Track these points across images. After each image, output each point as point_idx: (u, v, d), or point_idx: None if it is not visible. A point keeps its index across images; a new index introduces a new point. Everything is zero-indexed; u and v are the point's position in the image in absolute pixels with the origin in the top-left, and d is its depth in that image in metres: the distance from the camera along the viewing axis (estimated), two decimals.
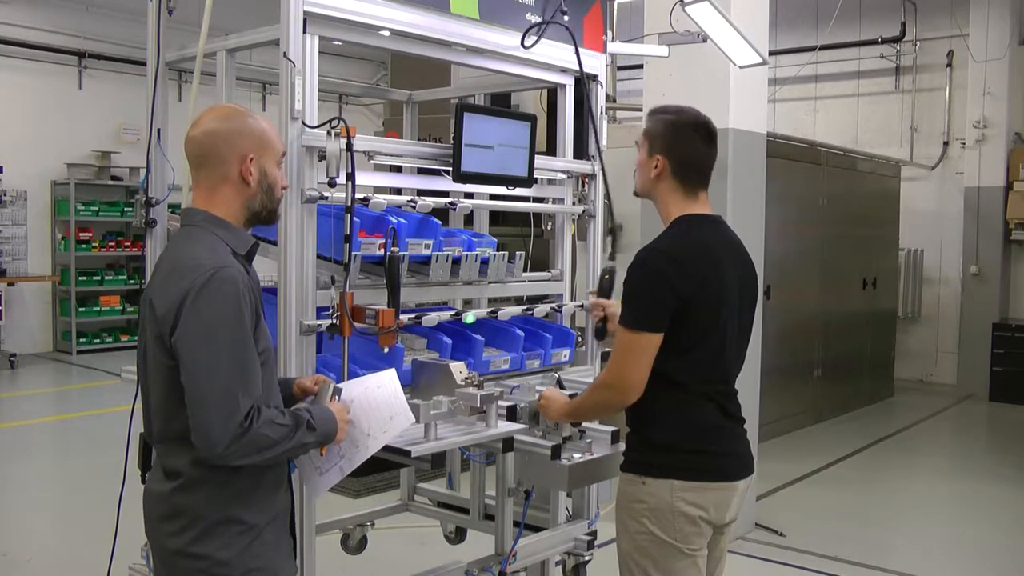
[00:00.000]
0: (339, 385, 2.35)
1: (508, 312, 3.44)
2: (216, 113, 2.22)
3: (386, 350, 2.82)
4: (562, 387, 3.28)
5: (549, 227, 4.81)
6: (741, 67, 4.35)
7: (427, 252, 3.15)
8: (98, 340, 11.57)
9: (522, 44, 3.33)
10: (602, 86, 3.74)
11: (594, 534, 3.69)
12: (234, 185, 2.15)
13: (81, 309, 11.40)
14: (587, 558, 3.67)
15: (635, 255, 2.54)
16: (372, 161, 3.18)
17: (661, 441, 2.54)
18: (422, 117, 4.36)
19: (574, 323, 3.85)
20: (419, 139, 4.34)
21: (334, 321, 2.76)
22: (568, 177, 3.76)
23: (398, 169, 3.63)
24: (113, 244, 11.75)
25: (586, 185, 3.78)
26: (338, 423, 2.22)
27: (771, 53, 7.19)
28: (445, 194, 3.39)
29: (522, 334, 3.45)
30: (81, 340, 11.42)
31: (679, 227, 2.62)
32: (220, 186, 2.15)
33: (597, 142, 3.64)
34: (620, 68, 8.96)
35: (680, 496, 2.49)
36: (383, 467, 3.53)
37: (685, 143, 2.61)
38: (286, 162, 2.61)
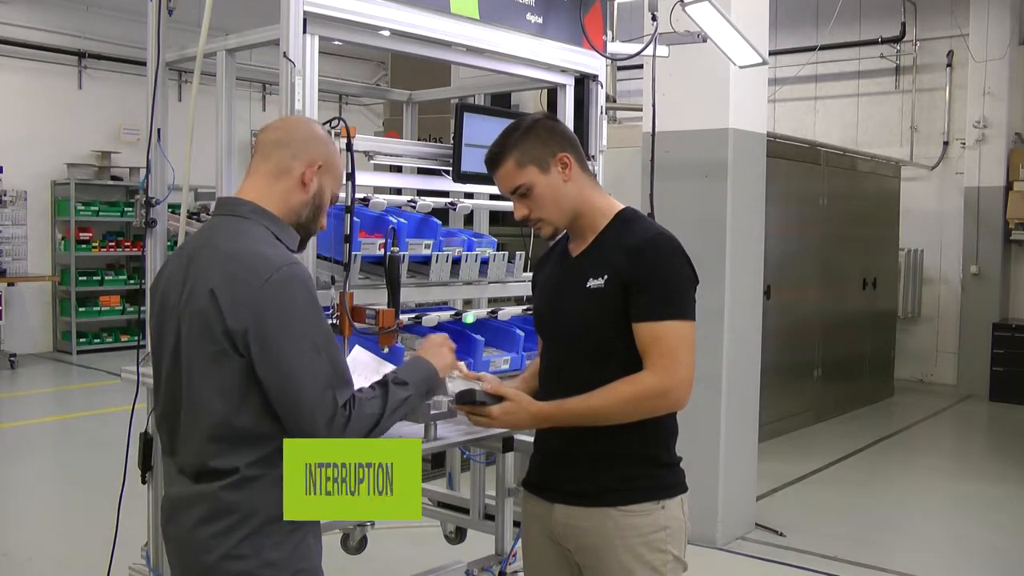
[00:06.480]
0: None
1: (508, 312, 3.45)
2: (306, 120, 2.33)
3: (386, 350, 2.82)
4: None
5: None
6: (741, 67, 4.35)
7: (427, 252, 3.15)
8: (98, 340, 11.56)
9: None
10: (602, 86, 3.74)
11: None
12: (293, 182, 2.10)
13: (81, 309, 11.39)
14: None
15: (649, 239, 2.24)
16: (372, 161, 3.19)
17: (669, 459, 2.34)
18: (422, 117, 4.36)
19: None
20: (419, 139, 4.34)
21: (334, 321, 2.76)
22: None
23: (398, 169, 3.63)
24: (113, 244, 11.74)
25: None
26: (433, 358, 2.22)
27: (771, 53, 7.18)
28: (445, 194, 3.39)
29: (522, 334, 3.44)
30: (81, 340, 11.41)
31: (638, 214, 2.38)
32: (281, 178, 2.10)
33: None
34: (620, 68, 8.94)
35: (687, 510, 2.34)
36: None
37: (562, 131, 2.37)
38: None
